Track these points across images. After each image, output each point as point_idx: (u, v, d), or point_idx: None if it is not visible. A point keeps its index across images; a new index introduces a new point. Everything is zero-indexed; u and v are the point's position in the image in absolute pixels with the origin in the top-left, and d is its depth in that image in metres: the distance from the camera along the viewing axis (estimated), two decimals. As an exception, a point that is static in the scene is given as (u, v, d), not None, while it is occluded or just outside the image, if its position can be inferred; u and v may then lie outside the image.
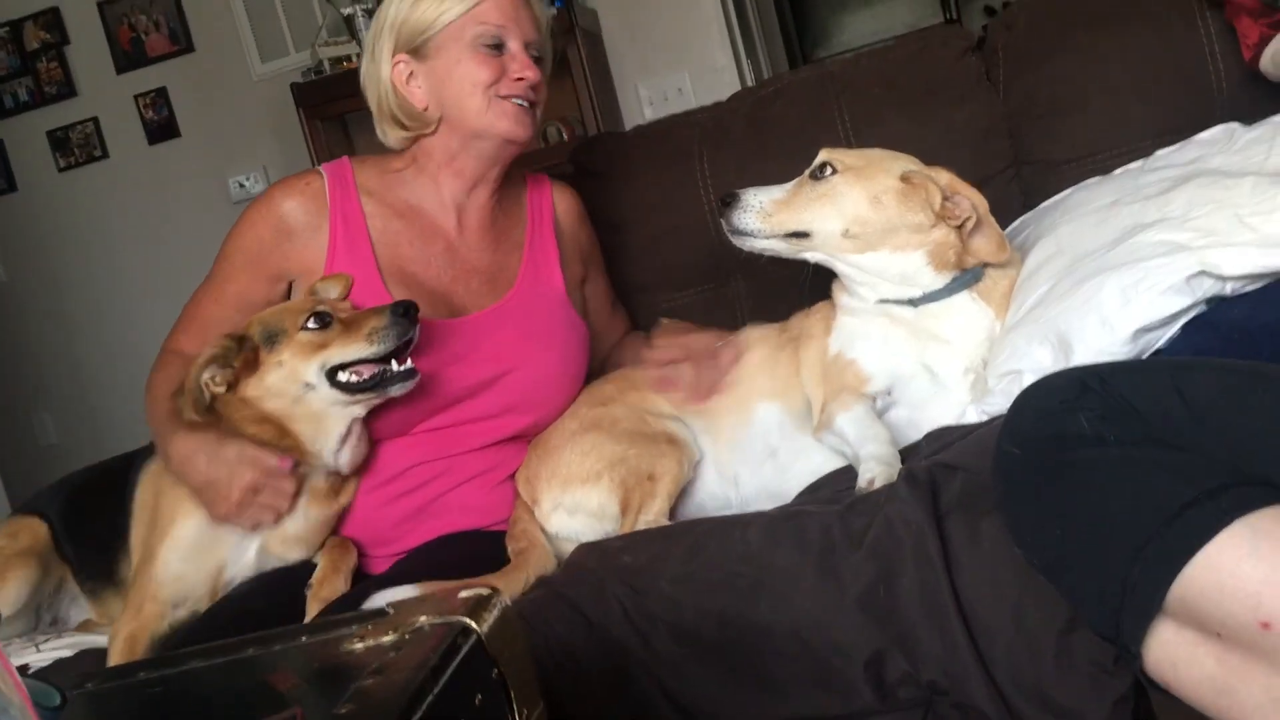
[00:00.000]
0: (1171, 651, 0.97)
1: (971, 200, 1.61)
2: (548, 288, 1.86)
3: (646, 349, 1.82)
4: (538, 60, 1.73)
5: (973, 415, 1.54)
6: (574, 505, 1.66)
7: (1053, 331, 1.49)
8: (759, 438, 1.68)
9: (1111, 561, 0.97)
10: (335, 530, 1.75)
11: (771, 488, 1.64)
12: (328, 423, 1.65)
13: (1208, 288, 1.39)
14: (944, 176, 1.62)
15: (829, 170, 1.63)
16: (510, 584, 1.53)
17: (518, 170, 1.90)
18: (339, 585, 1.65)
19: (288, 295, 1.79)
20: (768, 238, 1.64)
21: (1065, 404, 1.05)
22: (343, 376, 1.62)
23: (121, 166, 4.54)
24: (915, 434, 1.59)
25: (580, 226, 1.97)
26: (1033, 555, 1.09)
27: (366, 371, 1.61)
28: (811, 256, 1.66)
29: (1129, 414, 1.02)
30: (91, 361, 4.65)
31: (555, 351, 1.80)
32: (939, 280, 1.62)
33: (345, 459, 1.68)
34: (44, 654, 1.73)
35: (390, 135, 1.80)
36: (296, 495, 1.67)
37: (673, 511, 1.63)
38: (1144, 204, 1.56)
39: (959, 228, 1.60)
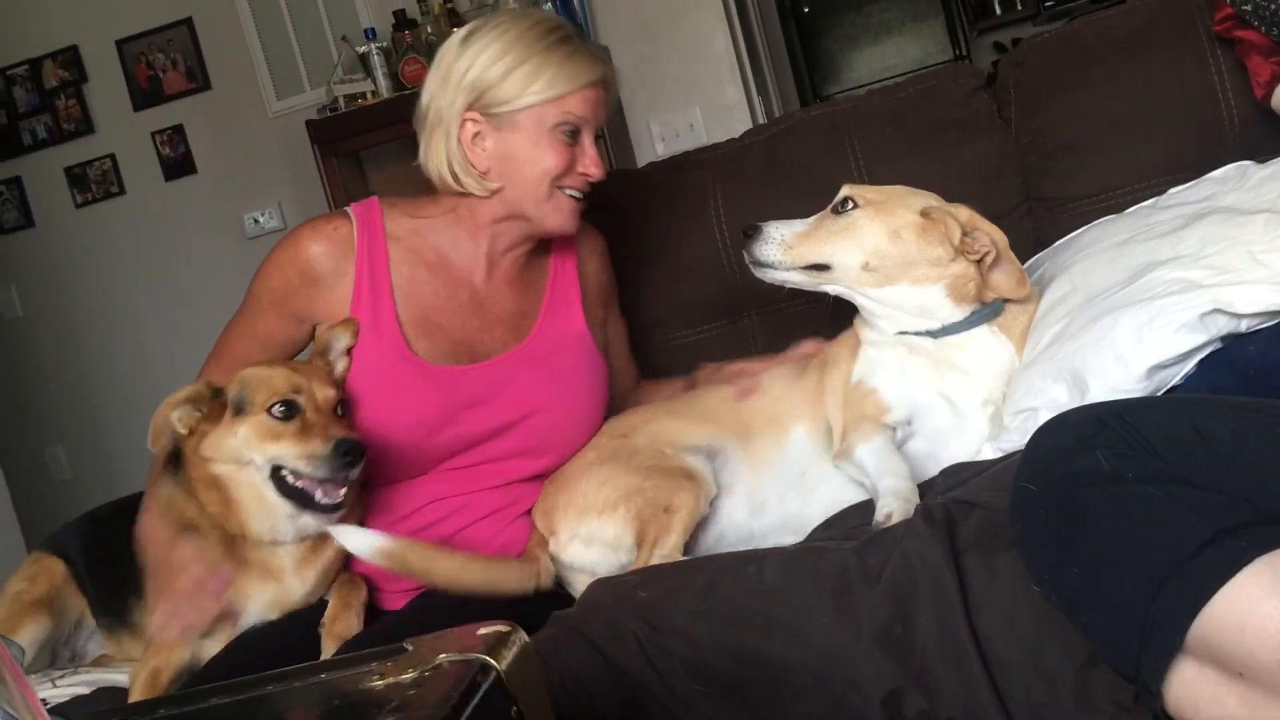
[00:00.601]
0: (1193, 691, 0.97)
1: (991, 236, 1.62)
2: (568, 328, 1.85)
3: (706, 373, 1.85)
4: (596, 139, 1.75)
5: (989, 452, 1.54)
6: (590, 536, 1.66)
7: (1068, 369, 1.49)
8: (793, 460, 1.69)
9: (1131, 600, 0.97)
10: (347, 565, 1.75)
11: (793, 514, 1.65)
12: (270, 509, 1.64)
13: (1222, 325, 1.39)
14: (964, 213, 1.64)
15: (850, 205, 1.65)
16: (485, 576, 1.60)
17: None
18: (352, 621, 1.65)
19: (313, 334, 1.79)
20: (788, 269, 1.66)
21: (1082, 441, 1.05)
22: (284, 472, 1.61)
23: (138, 203, 4.57)
24: (934, 466, 1.60)
25: (603, 268, 1.97)
26: (1051, 593, 1.08)
27: (302, 482, 1.61)
28: (832, 290, 1.67)
29: (1146, 451, 1.02)
30: (105, 397, 4.67)
31: (578, 393, 1.81)
32: (958, 313, 1.63)
33: (298, 539, 1.68)
34: (60, 690, 1.72)
35: (436, 173, 1.75)
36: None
37: (690, 544, 1.63)
38: (1157, 241, 1.56)
39: (978, 262, 1.62)
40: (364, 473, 1.63)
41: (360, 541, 1.59)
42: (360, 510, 1.74)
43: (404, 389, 1.72)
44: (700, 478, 1.65)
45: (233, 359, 1.76)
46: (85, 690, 1.72)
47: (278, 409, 1.60)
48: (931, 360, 1.63)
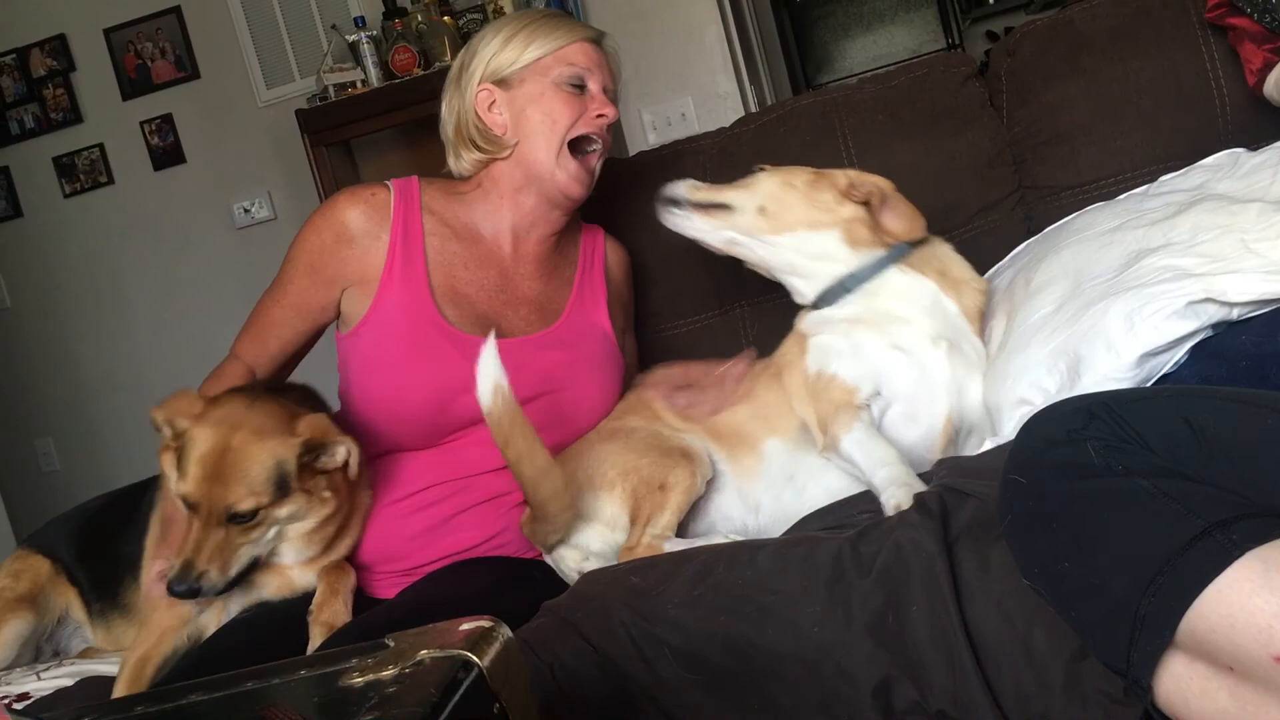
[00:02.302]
0: (1184, 685, 0.96)
1: (875, 182, 1.72)
2: (594, 323, 1.90)
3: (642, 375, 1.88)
4: (606, 90, 1.82)
5: (986, 443, 1.54)
6: (589, 512, 1.66)
7: (1059, 357, 1.48)
8: (776, 469, 1.69)
9: (1121, 594, 0.96)
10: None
11: (791, 513, 1.64)
12: None
13: (1213, 313, 1.39)
14: (849, 172, 1.75)
15: (758, 171, 1.77)
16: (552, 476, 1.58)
17: (575, 218, 1.94)
18: (339, 608, 1.63)
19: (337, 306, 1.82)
20: (691, 208, 1.75)
21: (1072, 433, 1.04)
22: None
23: (127, 192, 4.55)
24: (914, 428, 1.62)
25: (625, 281, 2.04)
26: (1040, 586, 1.07)
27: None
28: (736, 242, 1.75)
29: (1136, 443, 1.01)
30: (94, 388, 4.65)
31: (597, 380, 1.84)
32: (857, 257, 1.69)
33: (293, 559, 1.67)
34: (45, 682, 1.72)
35: (465, 159, 1.85)
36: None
37: (684, 526, 1.63)
38: (1149, 229, 1.55)
39: (866, 205, 1.69)
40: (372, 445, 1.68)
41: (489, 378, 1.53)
42: (366, 478, 1.73)
43: (430, 352, 1.74)
44: (697, 457, 1.66)
45: (265, 327, 1.81)
46: (69, 682, 1.72)
47: (179, 494, 1.57)
48: (869, 322, 1.66)
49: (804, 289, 1.75)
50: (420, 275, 1.77)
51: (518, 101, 1.79)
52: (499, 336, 1.72)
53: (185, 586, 1.52)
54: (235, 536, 1.56)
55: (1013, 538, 1.11)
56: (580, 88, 1.78)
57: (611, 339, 1.91)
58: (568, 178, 1.79)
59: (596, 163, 1.82)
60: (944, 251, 1.75)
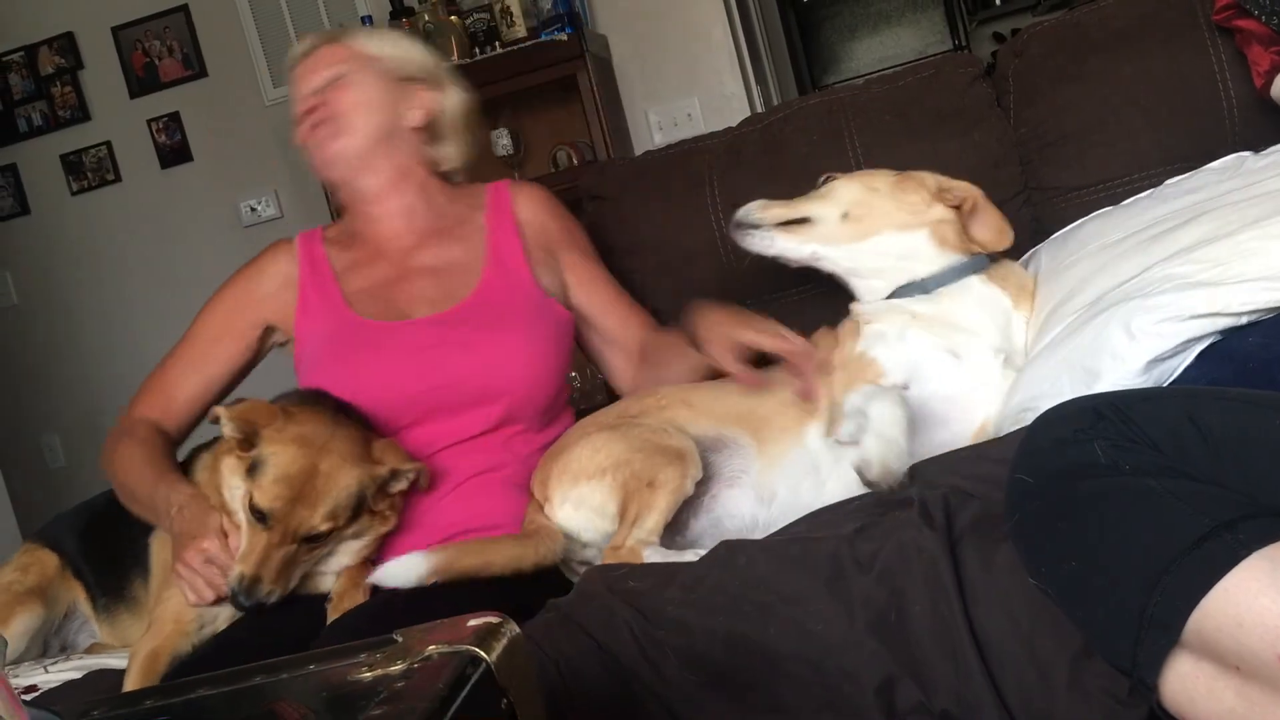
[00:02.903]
0: (1190, 685, 0.96)
1: (967, 188, 1.69)
2: (515, 281, 1.91)
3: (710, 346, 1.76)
4: (317, 93, 1.90)
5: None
6: (579, 500, 1.67)
7: (1068, 367, 1.48)
8: (806, 456, 1.68)
9: (1127, 594, 0.96)
10: None
11: (805, 504, 1.62)
12: None
13: (1219, 321, 1.38)
14: (937, 176, 1.72)
15: (827, 180, 1.75)
16: (511, 552, 1.59)
17: (478, 184, 2.05)
18: (359, 598, 1.64)
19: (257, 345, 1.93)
20: (770, 227, 1.71)
21: (1080, 433, 1.04)
22: None
23: (134, 190, 4.56)
24: (942, 430, 1.60)
25: (547, 217, 2.01)
26: (1047, 586, 1.08)
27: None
28: (821, 255, 1.71)
29: (1144, 443, 1.01)
30: (100, 385, 4.66)
31: (517, 332, 1.83)
32: (943, 259, 1.67)
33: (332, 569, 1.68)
34: (52, 675, 1.72)
35: None
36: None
37: (687, 522, 1.64)
38: (1154, 240, 1.56)
39: (957, 209, 1.68)
40: None
41: (408, 574, 1.55)
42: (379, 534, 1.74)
43: (354, 349, 1.81)
44: (689, 457, 1.64)
45: (165, 387, 1.91)
46: (77, 675, 1.72)
47: (254, 508, 1.57)
48: (932, 323, 1.65)
49: (881, 288, 1.72)
50: (332, 286, 1.89)
51: None
52: (415, 316, 1.83)
53: (251, 601, 1.54)
54: (301, 553, 1.59)
55: (1019, 537, 1.11)
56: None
57: (536, 291, 1.90)
58: (320, 171, 1.95)
59: (331, 149, 1.89)
60: (1018, 269, 1.75)
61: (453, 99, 1.99)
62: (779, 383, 1.71)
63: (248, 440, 1.60)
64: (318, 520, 1.57)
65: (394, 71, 1.92)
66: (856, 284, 1.74)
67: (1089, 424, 1.04)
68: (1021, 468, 1.09)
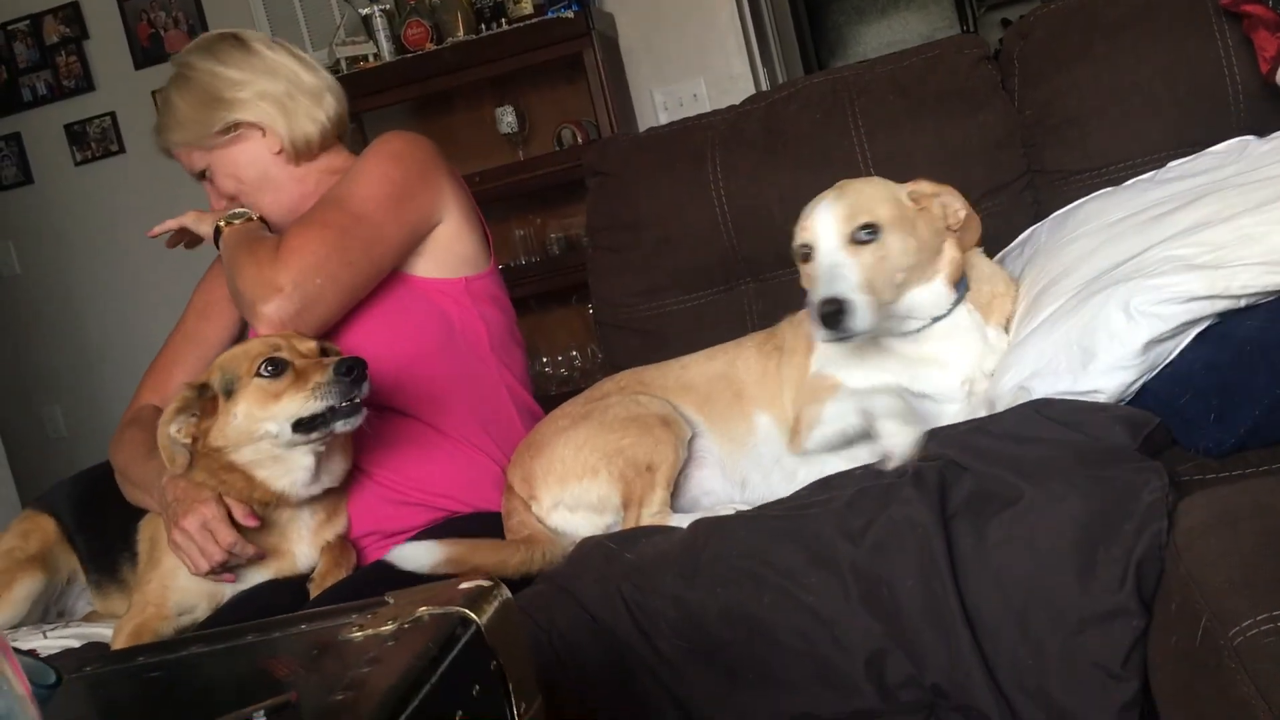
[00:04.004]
0: None
1: (961, 205, 1.59)
2: None
3: None
4: (207, 176, 1.87)
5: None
6: (574, 501, 1.65)
7: (1065, 346, 1.48)
8: (765, 447, 1.67)
9: None
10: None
11: (778, 492, 1.62)
12: (290, 464, 1.63)
13: (1218, 303, 1.38)
14: (925, 185, 1.59)
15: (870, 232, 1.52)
16: (522, 556, 1.57)
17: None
18: (341, 577, 1.66)
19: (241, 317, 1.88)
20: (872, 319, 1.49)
21: None
22: (303, 425, 1.59)
23: (137, 161, 4.55)
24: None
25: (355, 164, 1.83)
26: None
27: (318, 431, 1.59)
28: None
29: None
30: (102, 355, 4.67)
31: (355, 322, 1.77)
32: (950, 297, 1.58)
33: (321, 486, 1.68)
34: (50, 641, 1.74)
35: None
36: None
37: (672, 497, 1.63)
38: (1154, 221, 1.55)
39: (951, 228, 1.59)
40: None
41: (420, 559, 1.55)
42: (349, 450, 1.74)
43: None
44: (675, 423, 1.64)
45: (164, 368, 1.91)
46: (75, 643, 1.74)
47: (265, 369, 1.58)
48: (903, 358, 1.58)
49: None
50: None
51: None
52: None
53: (355, 372, 1.56)
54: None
55: None
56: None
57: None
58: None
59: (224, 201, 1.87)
60: (986, 267, 1.65)
61: (266, 111, 1.85)
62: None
63: (199, 414, 1.62)
64: (312, 340, 1.62)
65: (221, 141, 1.84)
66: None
67: None
68: None
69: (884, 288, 1.50)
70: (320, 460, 1.64)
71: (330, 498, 1.72)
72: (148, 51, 4.48)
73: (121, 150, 4.56)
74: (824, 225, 1.52)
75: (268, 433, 1.59)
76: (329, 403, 1.55)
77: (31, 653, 1.64)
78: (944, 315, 1.58)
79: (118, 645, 1.64)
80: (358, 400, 1.56)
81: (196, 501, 1.61)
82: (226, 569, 1.64)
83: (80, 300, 4.69)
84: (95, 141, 4.58)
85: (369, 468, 1.76)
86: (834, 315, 1.45)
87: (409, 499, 1.76)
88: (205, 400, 1.62)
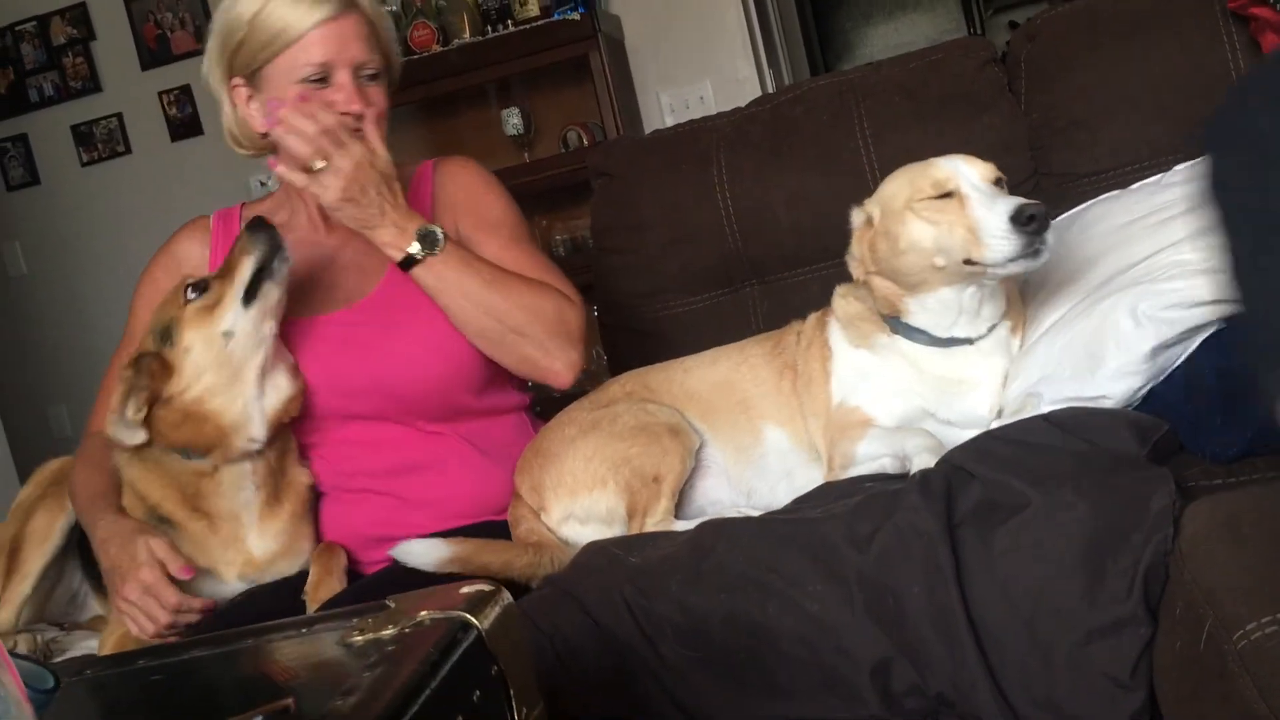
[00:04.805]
0: None
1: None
2: None
3: None
4: (373, 77, 1.67)
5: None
6: (585, 513, 1.64)
7: (1072, 352, 1.47)
8: (773, 459, 1.67)
9: None
10: (318, 537, 1.75)
11: (784, 503, 1.62)
12: (245, 369, 1.63)
13: (1223, 308, 1.38)
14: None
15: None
16: (529, 559, 1.58)
17: (409, 164, 1.84)
18: (335, 586, 1.64)
19: None
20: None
21: None
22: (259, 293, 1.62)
23: (144, 162, 4.56)
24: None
25: (462, 194, 1.81)
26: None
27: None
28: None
29: None
30: (108, 356, 4.64)
31: (413, 330, 1.72)
32: (1004, 307, 1.57)
33: (271, 403, 1.65)
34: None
35: (227, 139, 1.78)
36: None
37: (678, 505, 1.63)
38: (1162, 225, 1.55)
39: None
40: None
41: (427, 556, 1.54)
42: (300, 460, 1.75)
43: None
44: (684, 433, 1.64)
45: (111, 392, 1.80)
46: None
47: (190, 294, 1.62)
48: (932, 379, 1.57)
49: (929, 327, 1.58)
50: None
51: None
52: (328, 310, 1.75)
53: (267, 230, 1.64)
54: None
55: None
56: (324, 80, 1.63)
57: None
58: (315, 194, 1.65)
59: (349, 105, 1.64)
60: (1014, 286, 1.63)
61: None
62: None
63: (149, 385, 1.63)
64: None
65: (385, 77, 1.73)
66: (920, 319, 1.58)
67: None
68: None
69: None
70: (267, 364, 1.64)
71: (271, 478, 1.69)
72: (154, 53, 4.49)
73: (128, 151, 4.57)
74: (967, 168, 1.53)
75: (229, 333, 1.61)
76: (262, 248, 1.60)
77: (31, 657, 1.65)
78: (995, 325, 1.57)
79: (104, 654, 1.63)
80: (281, 247, 1.62)
81: (132, 568, 1.57)
82: (174, 630, 1.58)
83: (86, 300, 4.70)
84: (102, 142, 4.59)
85: (386, 481, 1.74)
86: (1044, 218, 1.40)
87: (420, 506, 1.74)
88: (151, 366, 1.62)
